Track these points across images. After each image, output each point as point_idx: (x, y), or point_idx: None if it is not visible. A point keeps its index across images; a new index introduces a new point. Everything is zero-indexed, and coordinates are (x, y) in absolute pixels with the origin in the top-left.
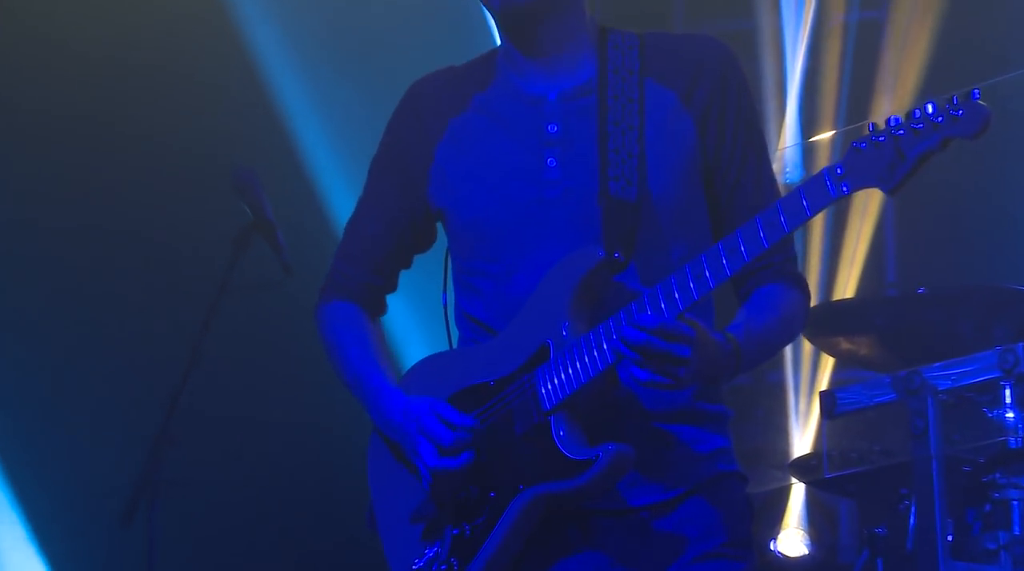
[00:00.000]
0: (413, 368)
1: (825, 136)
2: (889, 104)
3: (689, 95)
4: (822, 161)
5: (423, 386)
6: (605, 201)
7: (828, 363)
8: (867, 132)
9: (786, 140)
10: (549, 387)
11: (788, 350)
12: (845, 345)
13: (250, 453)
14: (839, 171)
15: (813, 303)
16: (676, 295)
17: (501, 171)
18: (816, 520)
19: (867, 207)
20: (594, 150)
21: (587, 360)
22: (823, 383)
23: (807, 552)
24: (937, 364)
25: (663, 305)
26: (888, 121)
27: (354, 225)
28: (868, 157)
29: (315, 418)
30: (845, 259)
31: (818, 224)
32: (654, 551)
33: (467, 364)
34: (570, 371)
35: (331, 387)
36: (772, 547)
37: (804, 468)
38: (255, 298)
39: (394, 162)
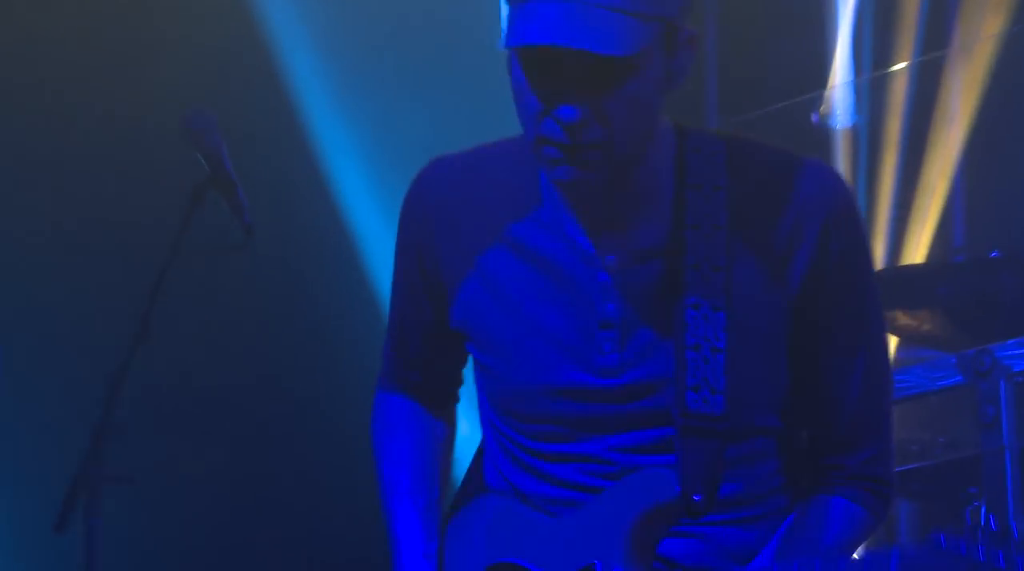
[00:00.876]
0: (463, 507)
1: (897, 67)
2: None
3: (785, 260)
4: (892, 95)
5: (465, 539)
6: (683, 418)
7: (892, 342)
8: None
9: (837, 78)
10: None
11: None
12: (904, 320)
13: (207, 443)
14: None
15: (878, 267)
16: None
17: (547, 342)
18: None
19: (942, 160)
20: (666, 346)
21: None
22: None
23: None
24: (1011, 341)
25: None
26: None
27: (396, 331)
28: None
29: (282, 403)
30: (915, 220)
31: (887, 179)
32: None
33: (517, 533)
34: None
35: (300, 368)
36: None
37: None
38: (211, 264)
39: (415, 288)
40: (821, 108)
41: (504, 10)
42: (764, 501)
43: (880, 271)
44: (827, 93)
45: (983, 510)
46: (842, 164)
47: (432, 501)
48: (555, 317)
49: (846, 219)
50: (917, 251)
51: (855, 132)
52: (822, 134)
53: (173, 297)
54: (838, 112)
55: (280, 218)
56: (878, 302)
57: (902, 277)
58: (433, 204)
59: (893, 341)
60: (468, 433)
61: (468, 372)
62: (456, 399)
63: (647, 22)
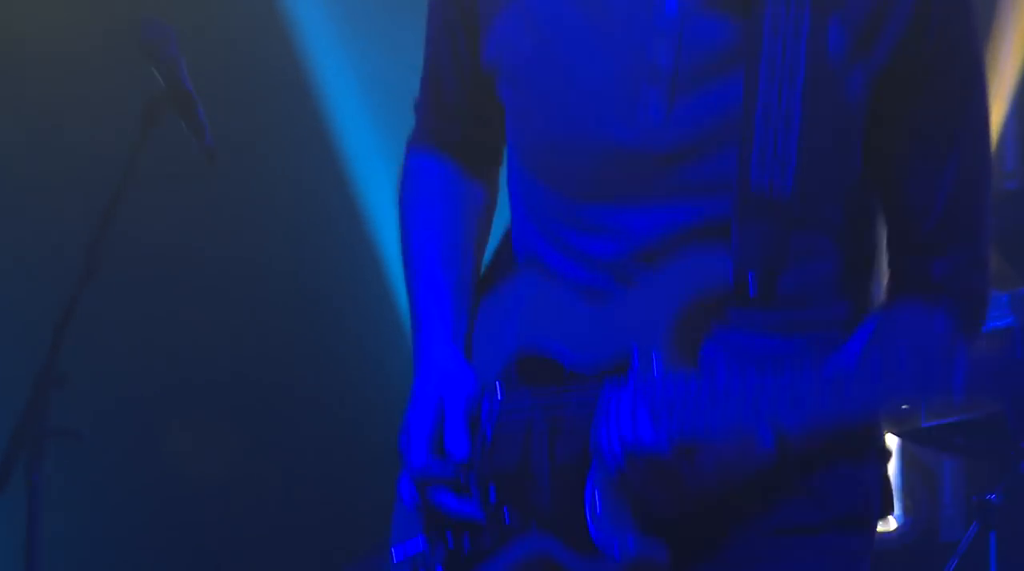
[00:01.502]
0: (492, 287)
1: None
2: None
3: (875, 28)
4: None
5: (494, 322)
6: (744, 192)
7: None
8: None
9: None
10: (609, 423)
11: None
12: None
13: (161, 394)
14: None
15: None
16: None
17: (584, 89)
18: (911, 484)
19: (996, 81)
20: (728, 108)
21: (671, 424)
22: None
23: (898, 525)
24: None
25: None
26: None
27: (431, 78)
28: None
29: (245, 346)
30: None
31: None
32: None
33: (550, 318)
34: (638, 416)
35: (264, 315)
36: None
37: (895, 415)
38: (168, 192)
39: (451, 23)
40: None
41: None
42: (815, 305)
43: None
44: None
45: None
46: None
47: (465, 276)
48: (597, 62)
49: None
50: None
51: None
52: None
53: (126, 230)
54: None
55: (255, 142)
56: (983, 78)
57: None
58: None
59: None
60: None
61: None
62: (499, 162)
63: None
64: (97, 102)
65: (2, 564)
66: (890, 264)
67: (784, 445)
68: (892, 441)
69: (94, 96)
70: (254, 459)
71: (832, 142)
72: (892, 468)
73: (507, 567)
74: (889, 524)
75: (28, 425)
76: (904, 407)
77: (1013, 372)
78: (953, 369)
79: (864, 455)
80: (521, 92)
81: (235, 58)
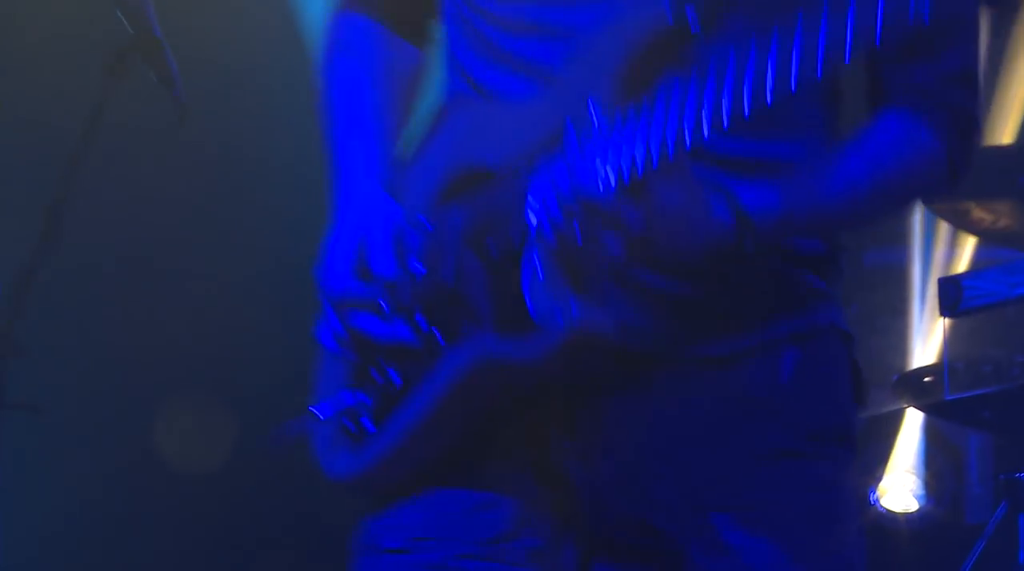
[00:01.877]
0: (436, 120)
1: None
2: None
3: None
4: None
5: (424, 163)
6: None
7: (969, 241)
8: None
9: None
10: (544, 196)
11: (917, 219)
12: (978, 213)
13: (123, 366)
14: None
15: None
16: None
17: None
18: (934, 461)
19: None
20: None
21: (609, 166)
22: (962, 267)
23: (920, 506)
24: None
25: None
26: None
27: None
28: None
29: (213, 315)
30: (1002, 93)
31: None
32: (709, 431)
33: (486, 130)
34: (581, 176)
35: (236, 278)
36: (872, 499)
37: (917, 387)
38: (137, 150)
39: None
40: None
41: None
42: (781, 137)
43: None
44: None
45: None
46: None
47: (395, 127)
48: None
49: None
50: (1001, 130)
51: None
52: None
53: (89, 190)
54: None
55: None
56: None
57: (977, 161)
58: None
59: (961, 239)
60: None
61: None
62: (430, 37)
63: None
64: (58, 53)
65: None
66: (868, 70)
67: (744, 223)
68: (915, 416)
69: (55, 46)
70: (221, 434)
71: None
72: (914, 444)
73: (442, 388)
74: (911, 503)
75: None
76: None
77: None
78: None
79: (828, 337)
80: None
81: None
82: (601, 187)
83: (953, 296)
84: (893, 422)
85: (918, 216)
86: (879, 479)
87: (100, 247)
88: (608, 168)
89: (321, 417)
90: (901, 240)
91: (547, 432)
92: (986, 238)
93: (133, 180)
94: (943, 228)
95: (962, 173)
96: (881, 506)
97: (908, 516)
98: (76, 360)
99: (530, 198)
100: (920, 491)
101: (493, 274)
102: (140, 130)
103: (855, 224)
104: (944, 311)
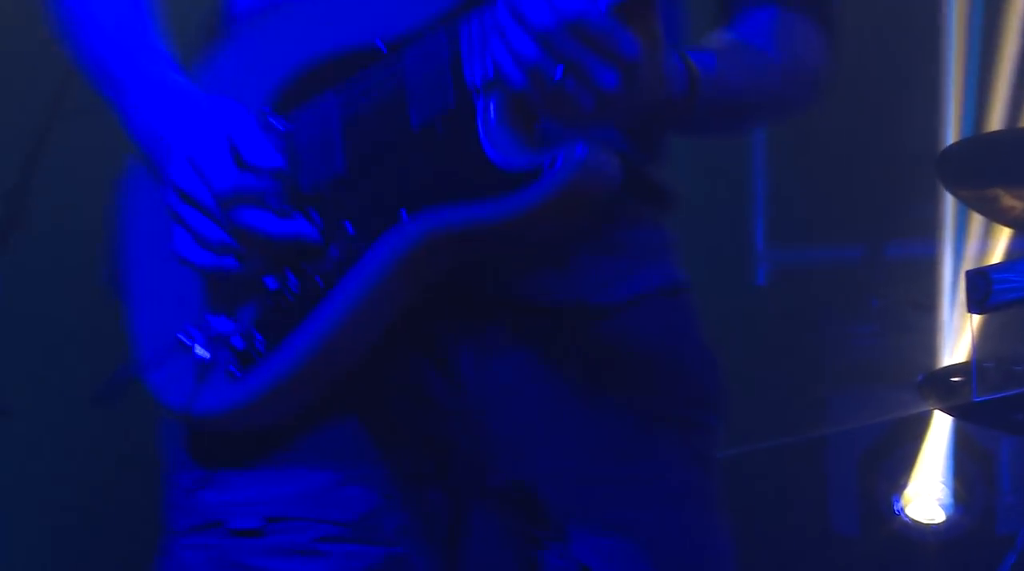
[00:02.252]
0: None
1: None
2: None
3: None
4: None
5: (238, 68)
6: None
7: (1004, 232)
8: None
9: None
10: (478, 39)
11: (948, 208)
12: (1008, 200)
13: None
14: None
15: (955, 138)
16: None
17: None
18: (963, 468)
19: None
20: None
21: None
22: (996, 259)
23: (948, 516)
24: None
25: None
26: None
27: None
28: None
29: None
30: (1001, 75)
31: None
32: (594, 393)
33: (303, 25)
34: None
35: None
36: (896, 508)
37: (943, 388)
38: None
39: None
40: None
41: None
42: None
43: (976, 138)
44: None
45: None
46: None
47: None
48: None
49: None
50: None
51: None
52: None
53: (51, 184)
54: None
55: None
56: None
57: (1006, 144)
58: None
59: (995, 230)
60: None
61: None
62: None
63: None
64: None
65: None
66: None
67: (692, 73)
68: (943, 419)
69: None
70: None
71: None
72: (942, 450)
73: (360, 287)
74: (938, 514)
75: None
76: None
77: None
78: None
79: (686, 296)
80: None
81: None
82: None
83: (982, 290)
84: (919, 426)
85: (948, 206)
86: (904, 487)
87: (73, 238)
88: None
89: (191, 344)
90: (926, 231)
91: (424, 391)
92: (1018, 228)
93: (96, 173)
94: (975, 219)
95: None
96: (906, 516)
97: (934, 527)
98: (50, 362)
99: (467, 43)
100: (948, 500)
101: (422, 143)
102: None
103: (770, 111)
104: (972, 306)
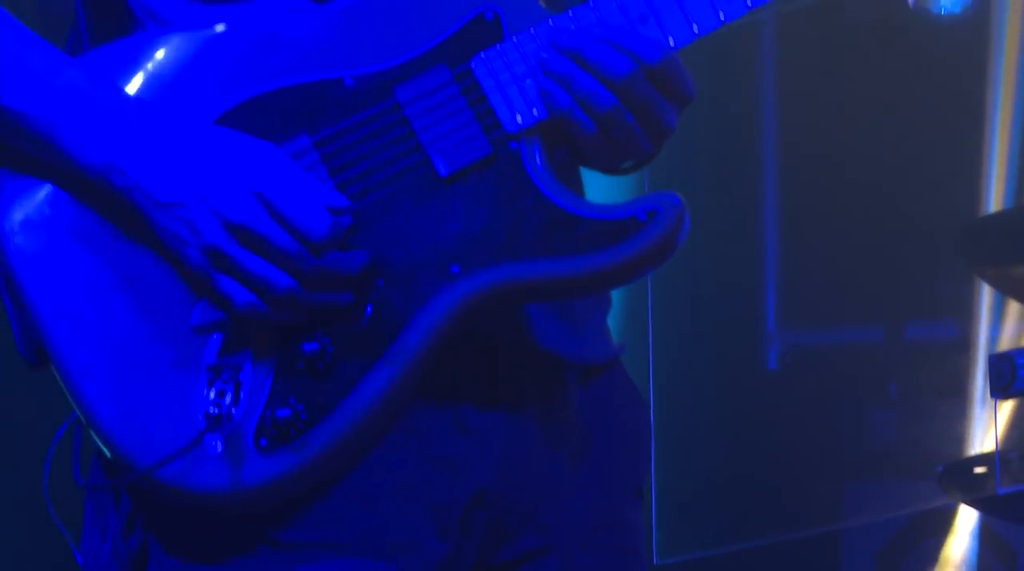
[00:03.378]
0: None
1: None
2: None
3: None
4: None
5: (164, 91)
6: None
7: None
8: None
9: None
10: (512, 86)
11: (973, 288)
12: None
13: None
14: None
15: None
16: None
17: None
18: (987, 563)
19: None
20: None
21: (598, 51)
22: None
23: None
24: None
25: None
26: None
27: None
28: None
29: None
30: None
31: (1008, 87)
32: (583, 452)
33: (246, 52)
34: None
35: None
36: None
37: (966, 479)
38: None
39: None
40: None
41: None
42: None
43: (1003, 212)
44: None
45: None
46: (945, 64)
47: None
48: None
49: None
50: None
51: (964, 22)
52: (921, 22)
53: None
54: None
55: None
56: None
57: (1018, 221)
58: None
59: (1012, 307)
60: None
61: None
62: None
63: None
64: None
65: None
66: None
67: None
68: (968, 512)
69: None
70: None
71: None
72: (965, 544)
73: (418, 346)
74: None
75: None
76: None
77: None
78: None
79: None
80: None
81: None
82: (662, 45)
83: (1007, 375)
84: (942, 519)
85: (973, 284)
86: None
87: None
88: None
89: (217, 412)
90: (948, 311)
91: (439, 449)
92: None
93: None
94: (1001, 300)
95: None
96: None
97: None
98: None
99: (495, 88)
100: None
101: (453, 194)
102: None
103: None
104: (996, 392)
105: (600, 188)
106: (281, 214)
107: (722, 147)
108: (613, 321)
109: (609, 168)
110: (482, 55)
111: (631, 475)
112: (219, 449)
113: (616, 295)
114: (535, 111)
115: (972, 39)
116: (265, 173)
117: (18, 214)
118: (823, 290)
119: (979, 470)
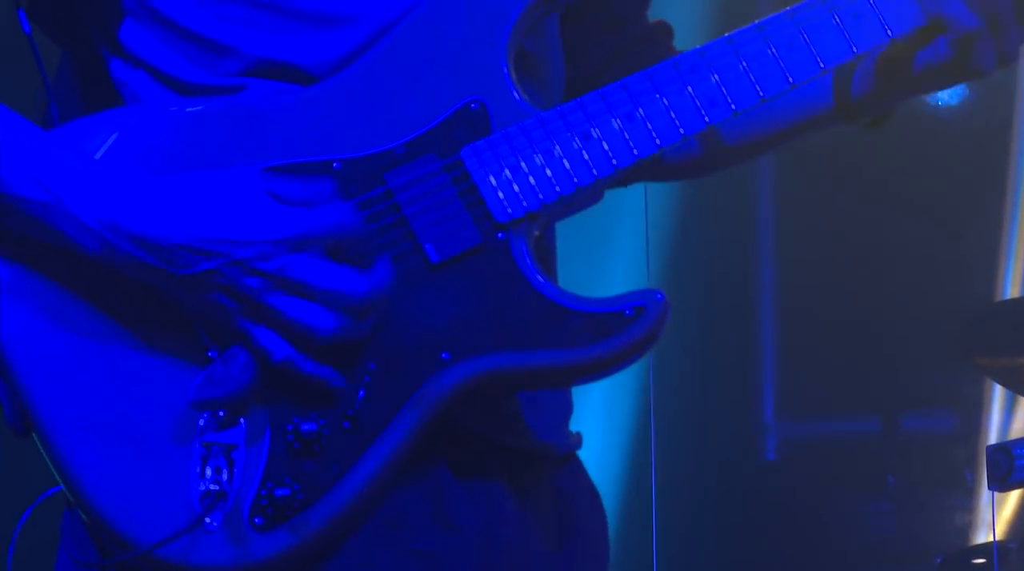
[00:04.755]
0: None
1: None
2: None
3: None
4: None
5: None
6: None
7: None
8: None
9: None
10: (503, 179)
11: (970, 379)
12: None
13: None
14: None
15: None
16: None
17: None
18: None
19: None
20: None
21: (580, 147)
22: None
23: None
24: None
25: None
26: None
27: None
28: None
29: None
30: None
31: (1010, 170)
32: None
33: (231, 129)
34: (544, 158)
35: None
36: None
37: None
38: None
39: None
40: None
41: None
42: None
43: (1002, 302)
44: None
45: None
46: (943, 155)
47: None
48: None
49: None
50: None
51: (967, 111)
52: (919, 114)
53: None
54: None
55: None
56: None
57: (1018, 311)
58: None
59: (1019, 402)
60: None
61: None
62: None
63: None
64: None
65: None
66: None
67: None
68: None
69: None
70: None
71: None
72: None
73: (409, 431)
74: None
75: None
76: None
77: None
78: None
79: None
80: None
81: None
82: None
83: (1004, 466)
84: None
85: (970, 375)
86: None
87: None
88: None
89: (215, 496)
90: (945, 402)
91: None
92: None
93: None
94: (998, 390)
95: None
96: None
97: None
98: None
99: (487, 180)
100: None
101: (442, 281)
102: None
103: None
104: (993, 484)
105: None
106: (323, 263)
107: (721, 237)
108: (618, 410)
109: None
110: (471, 146)
111: (600, 566)
112: (215, 525)
113: (618, 384)
114: (524, 203)
115: (987, 126)
116: (289, 218)
117: (3, 278)
118: (821, 380)
119: (978, 561)
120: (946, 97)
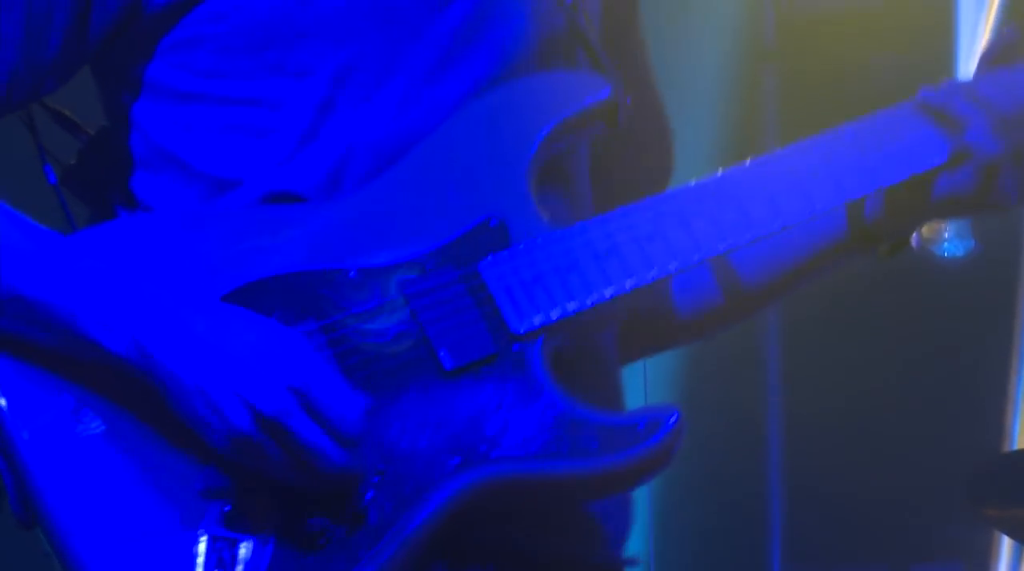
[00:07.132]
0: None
1: None
2: None
3: None
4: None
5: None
6: None
7: None
8: None
9: None
10: (520, 292)
11: (978, 530)
12: None
13: None
14: None
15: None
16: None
17: None
18: None
19: None
20: None
21: (597, 264)
22: None
23: None
24: None
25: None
26: None
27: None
28: None
29: None
30: None
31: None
32: None
33: (249, 241)
34: (561, 274)
35: None
36: None
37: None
38: None
39: None
40: (924, 230)
41: None
42: None
43: (1008, 453)
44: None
45: None
46: (950, 305)
47: None
48: None
49: None
50: None
51: (973, 265)
52: (926, 265)
53: None
54: (948, 236)
55: None
56: None
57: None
58: None
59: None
60: None
61: None
62: None
63: None
64: None
65: None
66: None
67: None
68: None
69: None
70: None
71: None
72: None
73: (412, 538)
74: None
75: None
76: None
77: None
78: None
79: None
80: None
81: None
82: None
83: None
84: None
85: (978, 527)
86: None
87: None
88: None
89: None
90: (953, 554)
91: None
92: None
93: None
94: (1006, 542)
95: None
96: None
97: None
98: None
99: (504, 292)
100: None
101: (456, 388)
102: None
103: None
104: None
105: None
106: (317, 409)
107: (729, 394)
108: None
109: None
110: (490, 259)
111: None
112: None
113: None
114: (540, 317)
115: (994, 277)
116: (295, 363)
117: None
118: (829, 530)
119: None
120: (954, 250)
